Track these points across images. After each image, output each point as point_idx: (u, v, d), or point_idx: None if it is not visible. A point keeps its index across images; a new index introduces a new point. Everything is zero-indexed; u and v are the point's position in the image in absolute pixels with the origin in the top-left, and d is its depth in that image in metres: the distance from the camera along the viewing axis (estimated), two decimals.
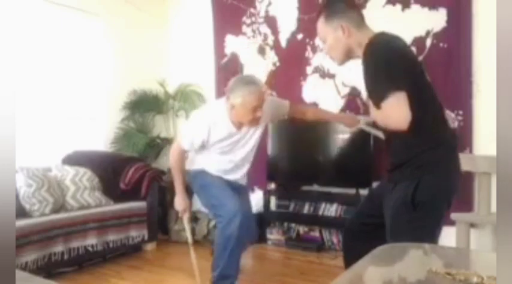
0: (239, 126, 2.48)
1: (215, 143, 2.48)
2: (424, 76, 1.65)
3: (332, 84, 3.85)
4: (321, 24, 1.76)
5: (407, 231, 1.57)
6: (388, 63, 1.53)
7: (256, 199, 4.04)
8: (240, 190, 2.66)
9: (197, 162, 2.64)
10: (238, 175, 2.65)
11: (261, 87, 2.43)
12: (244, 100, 2.31)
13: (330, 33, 1.73)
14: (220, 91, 4.46)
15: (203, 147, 2.52)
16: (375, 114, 1.61)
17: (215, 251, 2.54)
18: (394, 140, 1.68)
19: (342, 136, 3.64)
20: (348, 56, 1.76)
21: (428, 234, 1.55)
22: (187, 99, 4.56)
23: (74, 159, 3.74)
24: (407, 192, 1.58)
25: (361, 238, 1.82)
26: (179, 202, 2.64)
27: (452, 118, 3.22)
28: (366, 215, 1.89)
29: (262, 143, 3.83)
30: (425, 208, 1.57)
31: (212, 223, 3.96)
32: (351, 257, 1.56)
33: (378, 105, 1.55)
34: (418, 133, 1.56)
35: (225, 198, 2.47)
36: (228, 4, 4.40)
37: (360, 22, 1.72)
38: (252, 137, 2.56)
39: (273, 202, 4.07)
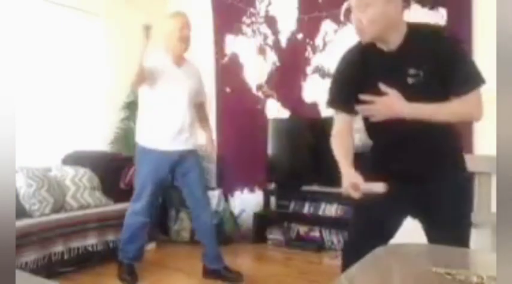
0: None
1: None
2: None
3: None
4: None
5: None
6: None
7: (256, 199, 4.04)
8: None
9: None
10: None
11: None
12: None
13: (378, 2, 1.46)
14: (221, 91, 4.46)
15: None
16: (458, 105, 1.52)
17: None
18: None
19: None
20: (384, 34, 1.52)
21: None
22: None
23: (74, 159, 3.73)
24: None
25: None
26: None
27: None
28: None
29: (262, 143, 3.82)
30: None
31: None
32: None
33: (458, 95, 1.49)
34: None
35: None
36: (228, 4, 4.40)
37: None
38: None
39: (273, 202, 4.07)
